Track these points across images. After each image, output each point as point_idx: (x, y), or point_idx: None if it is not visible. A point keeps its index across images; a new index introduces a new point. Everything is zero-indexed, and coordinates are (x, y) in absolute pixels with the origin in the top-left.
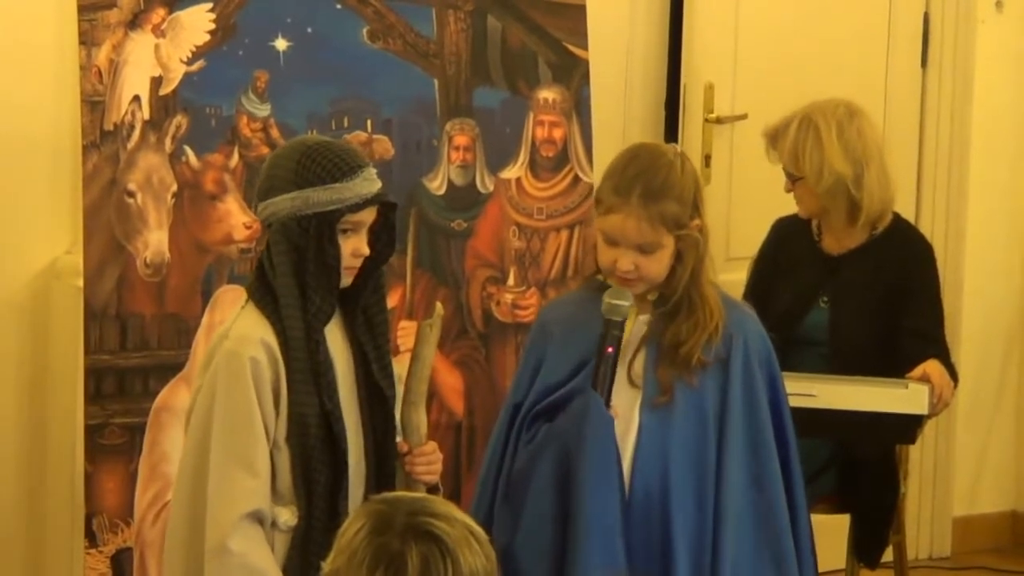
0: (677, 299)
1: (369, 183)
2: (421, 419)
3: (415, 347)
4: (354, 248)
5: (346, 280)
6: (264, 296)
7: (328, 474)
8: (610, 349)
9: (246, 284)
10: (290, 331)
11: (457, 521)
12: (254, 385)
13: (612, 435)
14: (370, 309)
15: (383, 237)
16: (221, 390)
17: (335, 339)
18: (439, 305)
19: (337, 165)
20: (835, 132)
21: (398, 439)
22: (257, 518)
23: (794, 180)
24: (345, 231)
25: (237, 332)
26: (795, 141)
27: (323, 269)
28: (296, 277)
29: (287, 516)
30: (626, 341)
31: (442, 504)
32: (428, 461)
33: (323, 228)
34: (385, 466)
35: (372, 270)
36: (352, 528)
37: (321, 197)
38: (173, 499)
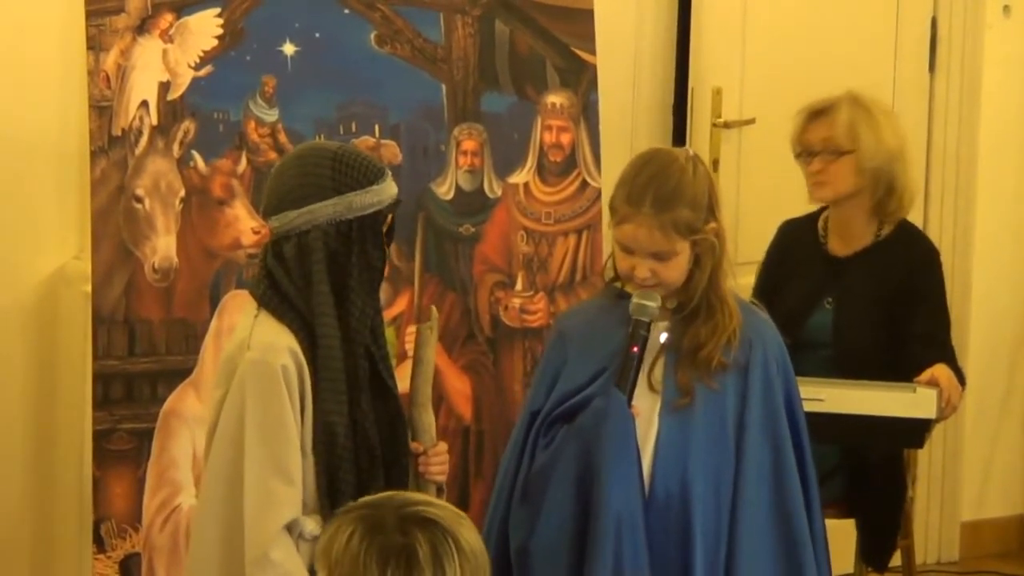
0: (696, 303)
1: (393, 184)
2: (430, 420)
3: (416, 350)
4: None
5: None
6: (281, 304)
7: (355, 483)
8: (635, 348)
9: (254, 292)
10: (324, 339)
11: (442, 504)
12: (286, 393)
13: (633, 433)
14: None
15: (385, 238)
16: (252, 400)
17: None
18: (434, 308)
19: (370, 169)
20: (883, 113)
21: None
22: (289, 527)
23: (840, 154)
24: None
25: (260, 341)
26: (851, 114)
27: (366, 273)
28: (331, 284)
29: (312, 526)
30: (646, 348)
31: (418, 493)
32: (441, 461)
33: (366, 232)
34: (397, 465)
35: None
36: (341, 537)
37: (364, 200)
38: (201, 509)
